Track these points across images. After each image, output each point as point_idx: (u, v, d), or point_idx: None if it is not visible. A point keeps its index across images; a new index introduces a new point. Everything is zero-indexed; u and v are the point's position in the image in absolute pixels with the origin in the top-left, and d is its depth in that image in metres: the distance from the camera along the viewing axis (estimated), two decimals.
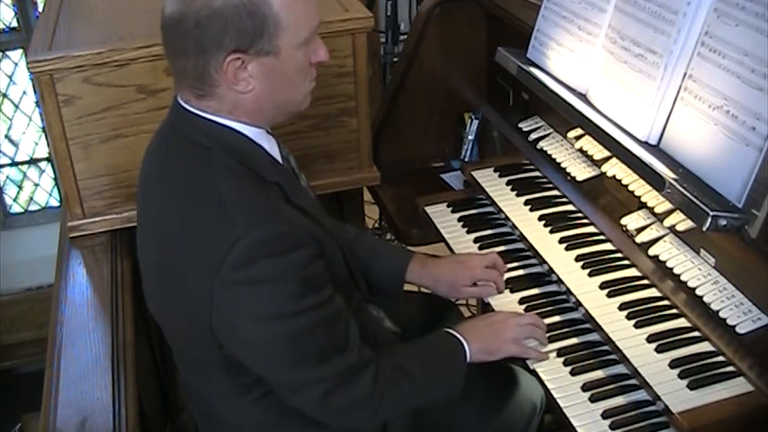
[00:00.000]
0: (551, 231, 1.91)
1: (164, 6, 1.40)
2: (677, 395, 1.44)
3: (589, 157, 1.96)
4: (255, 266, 1.34)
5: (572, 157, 2.04)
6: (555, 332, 1.68)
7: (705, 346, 1.53)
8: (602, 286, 1.72)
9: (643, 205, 1.76)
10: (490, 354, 1.64)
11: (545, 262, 1.83)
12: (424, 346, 1.63)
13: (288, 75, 1.43)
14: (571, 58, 2.00)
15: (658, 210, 1.70)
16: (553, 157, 2.08)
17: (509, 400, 1.78)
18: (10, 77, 5.03)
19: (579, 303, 1.70)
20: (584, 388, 1.54)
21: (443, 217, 2.12)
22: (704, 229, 1.47)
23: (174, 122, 1.49)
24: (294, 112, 1.53)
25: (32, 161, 5.24)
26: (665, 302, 1.65)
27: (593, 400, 1.51)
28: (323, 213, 1.57)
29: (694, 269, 1.63)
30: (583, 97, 1.94)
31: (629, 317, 1.62)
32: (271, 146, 1.52)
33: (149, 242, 1.56)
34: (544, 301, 1.77)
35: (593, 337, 1.66)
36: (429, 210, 2.16)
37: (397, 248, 1.96)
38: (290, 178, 1.54)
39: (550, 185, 2.07)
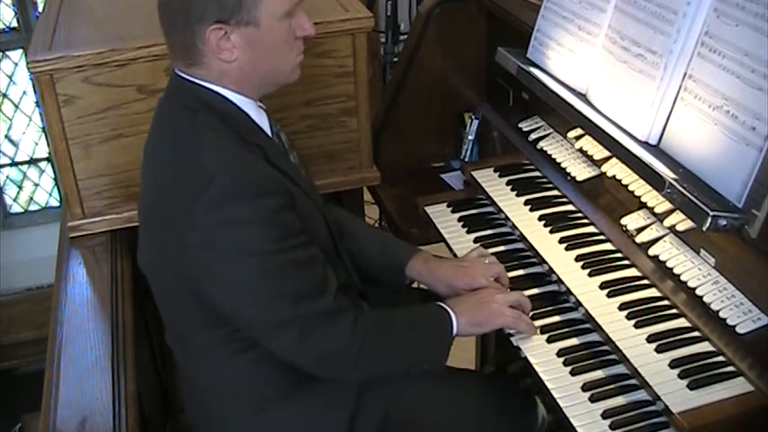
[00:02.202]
0: (551, 231, 1.91)
1: None
2: (677, 395, 1.43)
3: (589, 157, 1.96)
4: (225, 208, 1.41)
5: (572, 157, 2.04)
6: (555, 332, 1.68)
7: (705, 346, 1.53)
8: (603, 286, 1.72)
9: (643, 205, 1.76)
10: (478, 326, 1.68)
11: (545, 262, 1.83)
12: (412, 310, 1.69)
13: (271, 45, 1.51)
14: (571, 58, 2.00)
15: (658, 210, 1.70)
16: (553, 157, 2.08)
17: (507, 423, 1.79)
18: (10, 77, 5.03)
19: (579, 303, 1.70)
20: (585, 388, 1.53)
21: (443, 217, 2.12)
22: (704, 229, 1.47)
23: (169, 90, 1.59)
24: (283, 82, 1.60)
25: (32, 161, 5.24)
26: (665, 302, 1.64)
27: (593, 400, 1.51)
28: (311, 188, 1.65)
29: (694, 269, 1.62)
30: (583, 97, 1.94)
31: (629, 317, 1.62)
32: (260, 117, 1.59)
33: (143, 201, 1.66)
34: (544, 301, 1.77)
35: (593, 337, 1.66)
36: (429, 210, 2.16)
37: (403, 244, 1.96)
38: (274, 146, 1.60)
39: (550, 185, 2.07)
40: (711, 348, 1.52)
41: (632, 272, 1.74)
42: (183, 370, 1.76)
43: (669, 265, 1.66)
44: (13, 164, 5.22)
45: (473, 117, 2.48)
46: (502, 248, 1.96)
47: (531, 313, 1.72)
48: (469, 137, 2.49)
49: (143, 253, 1.66)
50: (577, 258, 1.81)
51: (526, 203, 2.03)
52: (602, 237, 1.86)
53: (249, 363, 1.58)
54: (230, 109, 1.53)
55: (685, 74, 1.65)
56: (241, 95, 1.54)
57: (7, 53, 4.99)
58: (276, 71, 1.56)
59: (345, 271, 1.72)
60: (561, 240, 1.87)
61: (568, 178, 2.01)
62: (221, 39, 1.46)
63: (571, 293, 1.73)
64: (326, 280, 1.52)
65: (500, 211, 2.05)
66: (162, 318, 1.72)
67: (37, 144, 5.20)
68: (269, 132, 1.60)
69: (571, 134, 2.02)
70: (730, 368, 1.47)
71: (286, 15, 1.49)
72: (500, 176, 2.16)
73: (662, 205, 1.69)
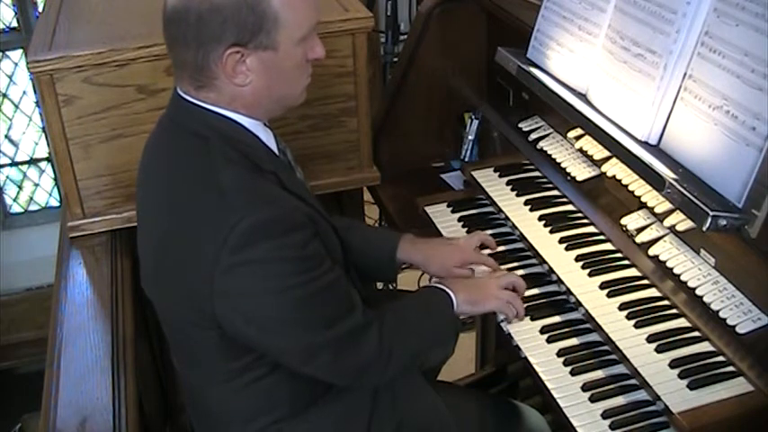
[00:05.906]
0: (551, 231, 1.91)
1: None
2: (677, 395, 1.44)
3: (589, 157, 1.95)
4: (254, 248, 1.38)
5: (572, 157, 2.03)
6: (555, 332, 1.68)
7: (705, 346, 1.53)
8: (603, 286, 1.72)
9: (643, 205, 1.76)
10: (474, 304, 1.70)
11: (545, 262, 1.83)
12: (415, 297, 1.71)
13: (285, 70, 1.47)
14: (571, 58, 1.99)
15: (658, 210, 1.70)
16: (553, 157, 2.08)
17: None
18: (10, 77, 5.03)
19: (579, 303, 1.70)
20: (584, 388, 1.53)
21: (443, 217, 2.12)
22: (704, 229, 1.47)
23: (173, 113, 1.53)
24: (291, 106, 1.57)
25: (32, 161, 5.25)
26: (665, 302, 1.64)
27: (593, 400, 1.51)
28: (318, 203, 1.61)
29: (694, 269, 1.62)
30: (583, 97, 1.94)
31: (629, 317, 1.62)
32: (267, 137, 1.55)
33: (149, 229, 1.59)
34: (544, 301, 1.77)
35: (593, 337, 1.66)
36: (429, 210, 2.16)
37: (386, 230, 1.98)
38: (285, 169, 1.57)
39: (550, 185, 2.07)
40: (711, 348, 1.52)
41: (632, 272, 1.74)
42: (190, 390, 1.71)
43: (669, 265, 1.66)
44: (13, 164, 5.22)
45: (473, 117, 2.48)
46: (502, 248, 1.95)
47: (530, 313, 1.72)
48: (469, 137, 2.48)
49: (151, 284, 1.60)
50: (577, 258, 1.81)
51: (526, 203, 2.03)
52: (602, 237, 1.86)
53: (264, 388, 1.55)
54: (242, 134, 1.48)
55: (685, 74, 1.65)
56: (250, 118, 1.50)
57: (7, 53, 4.99)
58: (288, 95, 1.53)
59: (351, 280, 1.70)
60: (561, 240, 1.87)
61: (568, 178, 2.01)
62: (237, 62, 1.41)
63: (571, 293, 1.73)
64: (352, 297, 1.52)
65: (500, 211, 2.05)
66: (167, 338, 1.68)
67: (37, 144, 5.20)
68: (276, 152, 1.57)
69: (571, 134, 2.02)
70: (730, 368, 1.47)
71: (302, 39, 1.46)
72: (500, 176, 2.16)
73: (662, 205, 1.69)
